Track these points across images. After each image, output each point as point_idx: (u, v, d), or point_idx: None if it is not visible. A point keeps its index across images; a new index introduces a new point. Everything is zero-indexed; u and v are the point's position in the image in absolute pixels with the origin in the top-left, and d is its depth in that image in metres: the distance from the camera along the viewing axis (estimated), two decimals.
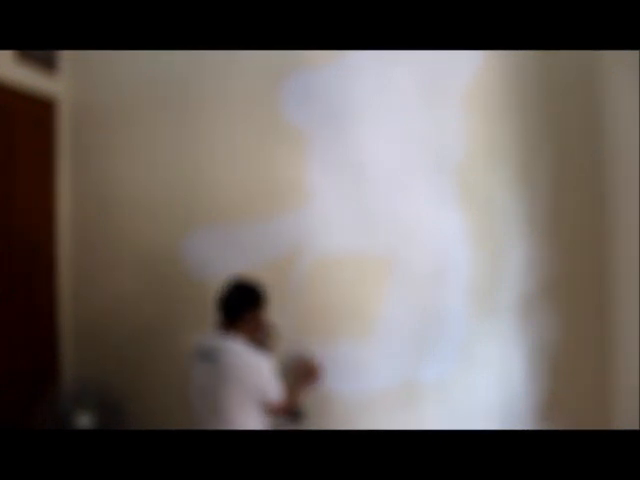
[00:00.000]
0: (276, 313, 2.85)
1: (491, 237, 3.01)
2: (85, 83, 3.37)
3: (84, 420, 2.92)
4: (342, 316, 3.08)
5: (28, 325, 3.12)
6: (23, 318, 3.09)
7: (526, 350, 2.97)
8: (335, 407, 3.08)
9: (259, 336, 2.69)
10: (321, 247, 3.03)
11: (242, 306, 2.57)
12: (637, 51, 2.56)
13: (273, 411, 2.61)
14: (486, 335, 3.00)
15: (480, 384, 3.01)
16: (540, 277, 2.96)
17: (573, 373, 2.91)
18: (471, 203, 3.02)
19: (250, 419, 2.49)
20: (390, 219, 3.07)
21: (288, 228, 3.12)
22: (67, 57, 3.35)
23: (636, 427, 2.54)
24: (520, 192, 2.98)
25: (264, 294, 2.62)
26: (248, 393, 2.46)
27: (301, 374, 2.92)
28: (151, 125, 3.28)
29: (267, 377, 2.51)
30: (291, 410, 2.71)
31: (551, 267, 2.95)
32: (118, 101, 3.32)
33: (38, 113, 3.22)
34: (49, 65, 3.26)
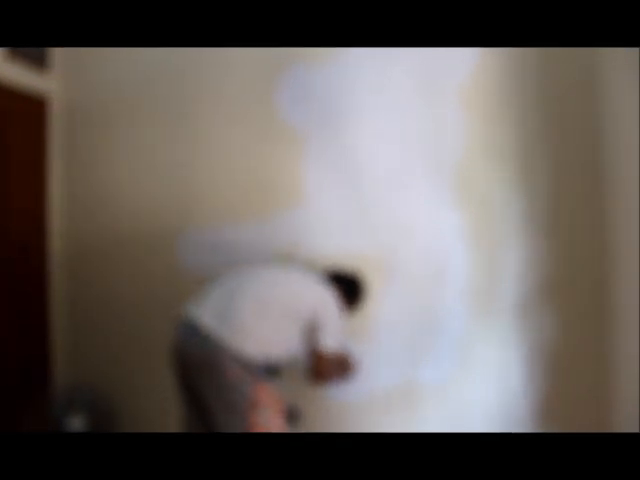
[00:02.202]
0: None
1: (489, 237, 2.99)
2: (77, 81, 3.35)
3: (76, 423, 2.91)
4: None
5: (19, 328, 3.09)
6: (14, 320, 3.06)
7: (525, 351, 2.96)
8: (333, 408, 3.08)
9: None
10: (318, 247, 3.01)
11: (352, 291, 2.74)
12: (637, 49, 2.54)
13: (313, 365, 2.52)
14: (485, 336, 2.99)
15: (479, 385, 3.00)
16: (539, 277, 2.95)
17: (572, 374, 2.90)
18: (469, 203, 3.00)
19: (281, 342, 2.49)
20: (388, 219, 3.06)
21: (285, 228, 3.10)
22: (59, 54, 3.34)
23: (636, 430, 2.52)
24: (519, 192, 2.97)
25: (364, 299, 2.81)
26: (307, 324, 2.48)
27: (336, 366, 2.80)
28: (145, 124, 3.26)
29: (335, 321, 2.53)
30: (322, 377, 2.58)
31: (550, 267, 2.93)
32: (111, 99, 3.30)
33: (30, 111, 3.19)
34: (41, 63, 3.24)
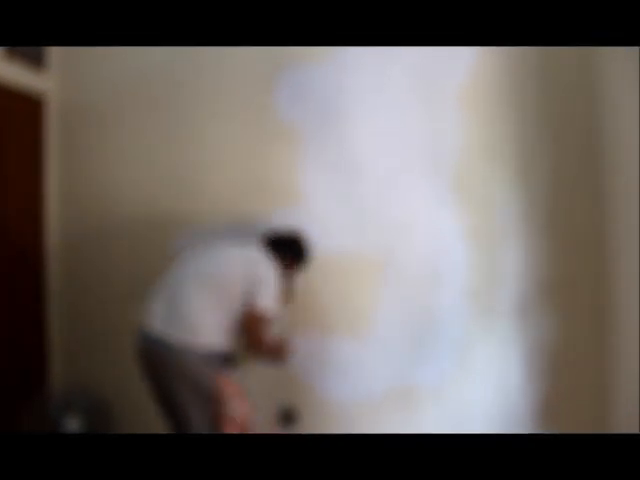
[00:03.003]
0: None
1: (489, 237, 2.98)
2: (74, 80, 3.33)
3: (73, 424, 2.90)
4: (338, 317, 3.05)
5: (15, 328, 3.08)
6: (10, 321, 3.04)
7: (524, 351, 2.95)
8: (330, 410, 3.06)
9: (286, 281, 2.78)
10: (316, 247, 2.98)
11: (293, 251, 2.79)
12: (637, 49, 2.52)
13: (246, 325, 2.52)
14: (484, 336, 2.98)
15: (478, 385, 2.99)
16: (538, 278, 2.94)
17: (572, 374, 2.89)
18: (468, 203, 2.99)
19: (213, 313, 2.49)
20: (386, 219, 3.04)
21: (283, 228, 3.07)
22: (56, 54, 3.32)
23: (636, 430, 2.50)
24: (518, 192, 2.96)
25: (309, 256, 2.84)
26: (244, 290, 2.50)
27: (276, 348, 2.79)
28: (142, 123, 3.25)
29: (269, 284, 2.55)
30: (255, 338, 2.55)
31: (549, 268, 2.92)
32: (108, 99, 3.29)
33: (27, 111, 3.18)
34: (38, 62, 3.23)
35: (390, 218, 3.03)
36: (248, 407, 2.61)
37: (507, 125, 2.96)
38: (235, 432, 2.49)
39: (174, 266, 2.67)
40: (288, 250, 2.78)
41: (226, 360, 2.58)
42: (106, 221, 3.27)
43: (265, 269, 2.58)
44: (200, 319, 2.45)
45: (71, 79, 3.33)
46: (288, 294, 2.85)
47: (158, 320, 2.47)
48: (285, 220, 3.05)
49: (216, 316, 2.49)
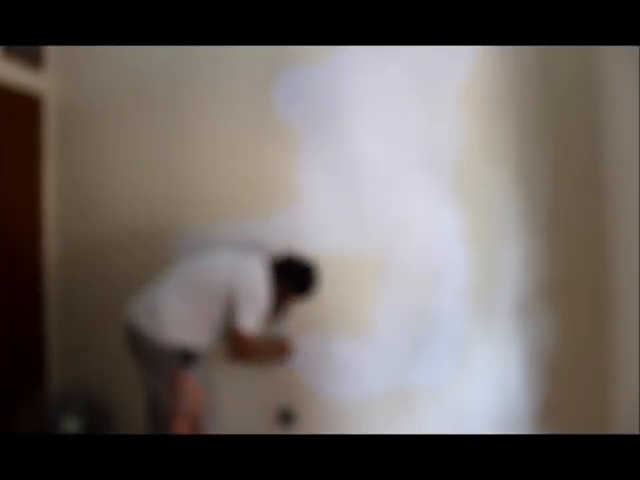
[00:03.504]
0: None
1: (488, 237, 2.98)
2: (72, 80, 3.32)
3: (71, 424, 2.89)
4: (335, 317, 3.04)
5: (13, 327, 3.07)
6: (8, 320, 3.04)
7: (523, 352, 2.94)
8: (329, 410, 3.05)
9: (280, 305, 2.78)
10: (314, 247, 2.98)
11: (297, 280, 2.74)
12: (637, 48, 2.51)
13: (230, 339, 2.58)
14: (483, 337, 2.97)
15: (477, 386, 2.98)
16: (538, 278, 2.93)
17: (571, 375, 2.88)
18: (468, 202, 2.98)
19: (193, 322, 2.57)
20: (384, 219, 3.03)
21: (280, 228, 3.07)
22: (54, 53, 3.31)
23: (636, 431, 2.50)
24: (517, 191, 2.95)
25: (316, 289, 2.79)
26: (224, 298, 2.54)
27: (274, 348, 2.89)
28: (140, 123, 3.23)
29: (252, 300, 2.55)
30: (240, 357, 2.63)
31: (549, 268, 2.91)
32: (106, 98, 3.27)
33: (24, 110, 3.17)
34: (35, 61, 3.22)
35: (389, 218, 3.02)
36: (202, 406, 2.64)
37: (507, 125, 2.95)
38: (184, 429, 2.54)
39: (172, 265, 2.74)
40: (292, 277, 2.74)
41: (188, 357, 2.60)
42: (104, 220, 3.26)
43: (252, 284, 2.58)
44: (169, 315, 2.55)
45: (69, 78, 3.32)
46: (277, 315, 2.84)
47: (135, 310, 2.63)
48: (284, 220, 3.04)
49: (188, 315, 2.56)
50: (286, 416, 3.04)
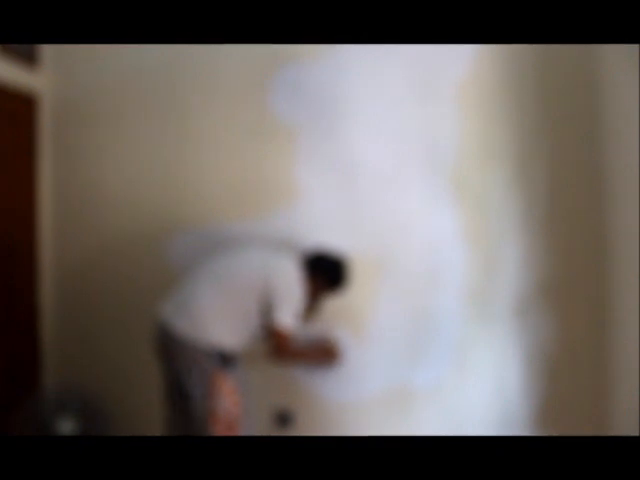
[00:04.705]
0: None
1: (486, 237, 2.96)
2: (68, 78, 3.31)
3: (66, 426, 2.88)
4: (333, 318, 3.01)
5: (8, 329, 3.06)
6: (3, 321, 3.03)
7: (522, 353, 2.92)
8: (327, 411, 3.04)
9: (312, 300, 2.76)
10: (313, 247, 2.95)
11: (330, 274, 2.74)
12: (637, 46, 2.49)
13: (269, 338, 2.58)
14: (481, 337, 2.96)
15: (475, 388, 2.96)
16: (537, 278, 2.91)
17: (570, 376, 2.87)
18: (467, 202, 2.97)
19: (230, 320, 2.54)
20: (384, 219, 3.02)
21: (277, 228, 3.05)
22: (49, 51, 3.30)
23: (636, 433, 2.48)
24: (516, 191, 2.93)
25: (345, 284, 2.78)
26: (260, 297, 2.53)
27: (321, 351, 2.93)
28: (136, 122, 3.22)
29: (289, 298, 2.55)
30: (282, 355, 2.62)
31: (548, 268, 2.90)
32: (102, 97, 3.26)
33: (19, 109, 3.16)
34: (30, 59, 3.21)
35: (387, 218, 3.01)
36: (239, 409, 2.61)
37: (506, 124, 2.93)
38: (221, 430, 2.52)
39: (197, 265, 2.73)
40: (325, 272, 2.74)
41: (226, 359, 2.58)
42: (100, 221, 3.24)
43: (288, 282, 2.58)
44: (206, 317, 2.51)
45: (64, 77, 3.30)
46: (311, 311, 2.83)
47: (168, 312, 2.57)
48: (282, 220, 3.03)
49: (224, 317, 2.53)
50: (283, 417, 3.02)
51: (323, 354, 2.92)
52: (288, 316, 2.54)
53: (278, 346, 2.57)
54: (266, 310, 2.55)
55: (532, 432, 2.89)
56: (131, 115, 3.22)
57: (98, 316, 3.22)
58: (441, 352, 2.98)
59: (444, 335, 2.98)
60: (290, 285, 2.59)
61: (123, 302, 3.18)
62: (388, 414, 3.00)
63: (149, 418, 3.00)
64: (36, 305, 3.24)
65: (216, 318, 2.52)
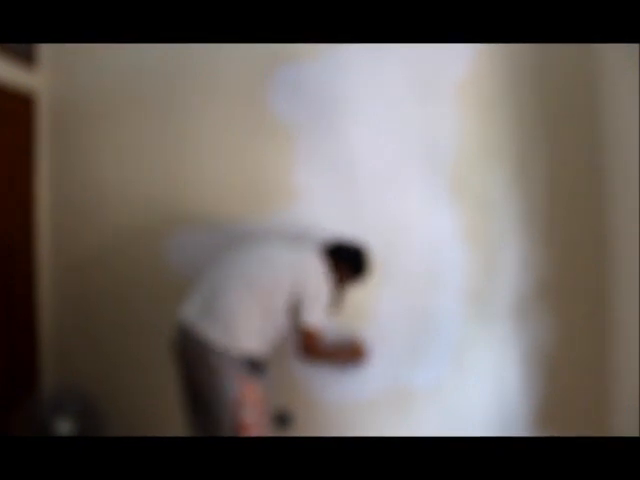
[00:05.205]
0: None
1: (486, 237, 2.96)
2: (66, 78, 3.29)
3: (64, 427, 2.86)
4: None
5: (6, 329, 3.04)
6: (1, 321, 3.01)
7: (522, 353, 2.92)
8: (326, 411, 3.03)
9: (338, 290, 2.75)
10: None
11: (353, 262, 2.74)
12: (637, 46, 2.49)
13: (299, 338, 2.55)
14: (481, 337, 2.96)
15: (475, 388, 2.96)
16: (536, 278, 2.91)
17: (570, 377, 2.87)
18: (466, 202, 2.97)
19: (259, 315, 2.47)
20: (383, 219, 3.01)
21: (278, 227, 3.04)
22: (47, 51, 3.28)
23: (636, 433, 2.48)
24: (516, 191, 2.93)
25: (369, 271, 2.81)
26: (290, 297, 2.49)
27: (348, 351, 2.92)
28: (135, 122, 3.21)
29: (319, 297, 2.53)
30: (311, 355, 2.59)
31: (548, 268, 2.90)
32: (100, 97, 3.24)
33: (17, 109, 3.14)
34: (29, 59, 3.19)
35: (387, 218, 3.01)
36: (264, 418, 2.53)
37: (505, 124, 2.93)
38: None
39: (216, 264, 2.64)
40: (348, 261, 2.74)
41: (255, 366, 2.51)
42: (98, 221, 3.23)
43: (316, 280, 2.55)
44: (236, 321, 2.42)
45: (62, 76, 3.28)
46: (336, 304, 2.81)
47: (193, 313, 2.46)
48: (282, 219, 3.02)
49: (254, 320, 2.45)
50: (282, 418, 3.01)
51: (351, 354, 2.91)
52: (318, 315, 2.52)
53: (308, 346, 2.53)
54: (295, 310, 2.51)
55: (532, 432, 2.88)
56: (130, 115, 3.20)
57: (97, 316, 3.21)
58: (441, 352, 2.98)
59: (444, 335, 2.97)
60: (319, 283, 2.56)
61: (122, 302, 3.17)
62: (388, 414, 3.00)
63: (149, 417, 3.00)
64: (35, 305, 3.22)
65: (247, 322, 2.43)
